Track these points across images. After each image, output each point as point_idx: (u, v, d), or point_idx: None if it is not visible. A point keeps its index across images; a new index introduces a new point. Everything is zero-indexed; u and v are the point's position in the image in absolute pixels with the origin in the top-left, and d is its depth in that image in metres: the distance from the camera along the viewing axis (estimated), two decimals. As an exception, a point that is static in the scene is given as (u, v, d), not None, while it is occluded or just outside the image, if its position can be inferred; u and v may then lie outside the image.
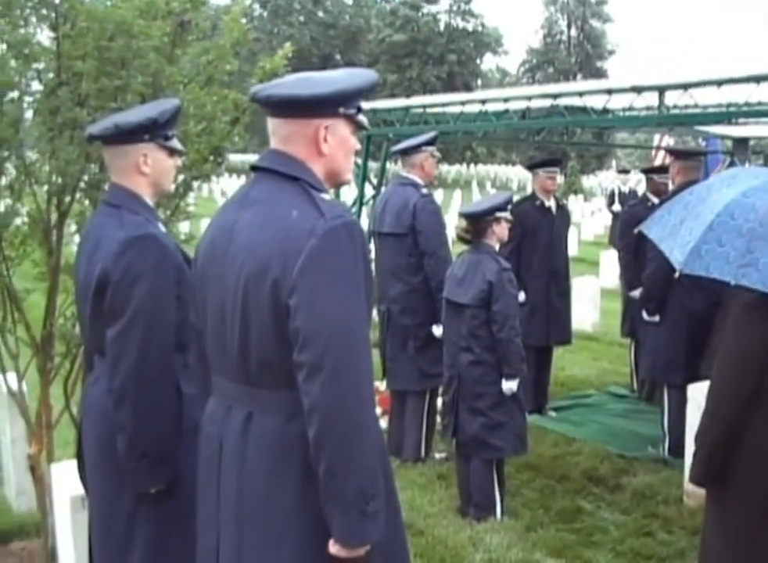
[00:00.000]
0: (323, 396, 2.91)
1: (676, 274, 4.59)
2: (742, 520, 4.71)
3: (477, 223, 6.73)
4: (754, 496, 4.64)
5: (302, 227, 2.98)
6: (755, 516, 4.67)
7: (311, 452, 2.97)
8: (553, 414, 9.88)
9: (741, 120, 10.33)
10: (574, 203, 44.59)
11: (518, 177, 58.81)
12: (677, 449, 7.89)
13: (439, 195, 42.87)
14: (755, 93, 7.31)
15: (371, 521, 3.01)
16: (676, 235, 4.64)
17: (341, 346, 2.93)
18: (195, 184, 6.00)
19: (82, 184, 5.46)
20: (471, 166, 71.10)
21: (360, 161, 11.89)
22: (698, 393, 7.04)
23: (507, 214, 6.76)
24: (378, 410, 8.53)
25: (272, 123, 3.22)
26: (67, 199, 5.48)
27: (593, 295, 15.32)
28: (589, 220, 35.73)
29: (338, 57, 77.97)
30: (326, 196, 3.14)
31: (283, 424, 3.08)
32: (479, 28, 78.08)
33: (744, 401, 4.56)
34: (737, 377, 4.60)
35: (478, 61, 78.75)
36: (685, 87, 7.54)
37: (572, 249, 22.92)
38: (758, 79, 7.03)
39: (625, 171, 22.17)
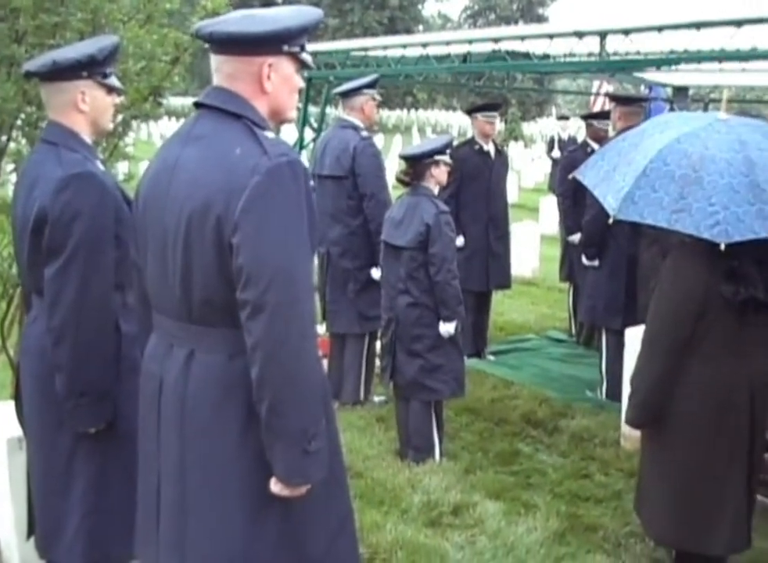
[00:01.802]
0: (266, 334, 2.91)
1: (610, 220, 4.60)
2: (678, 462, 4.79)
3: (416, 165, 6.71)
4: (689, 438, 4.73)
5: (245, 164, 2.96)
6: (691, 457, 4.76)
7: (254, 390, 2.98)
8: (492, 358, 9.95)
9: (682, 68, 10.41)
10: (514, 150, 44.60)
11: (458, 123, 58.65)
12: (615, 392, 7.97)
13: (380, 140, 42.71)
14: (697, 39, 7.32)
15: (312, 459, 3.03)
16: (609, 181, 4.68)
17: (284, 284, 2.92)
18: (135, 124, 5.94)
19: (19, 123, 5.38)
20: (412, 111, 70.86)
21: (300, 105, 11.79)
22: (635, 337, 7.11)
23: (446, 158, 6.75)
24: (319, 354, 8.52)
25: (215, 61, 3.19)
26: (4, 137, 5.40)
27: (533, 241, 15.40)
28: (529, 166, 35.77)
29: (280, 1, 77.22)
30: (270, 134, 3.11)
31: (225, 362, 3.08)
32: (422, -28, 77.76)
33: (679, 344, 4.63)
34: (672, 321, 4.67)
35: (420, 6, 78.11)
36: (626, 32, 7.52)
37: (513, 196, 23.01)
38: (698, 25, 7.03)
39: (564, 118, 22.23)
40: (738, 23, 6.76)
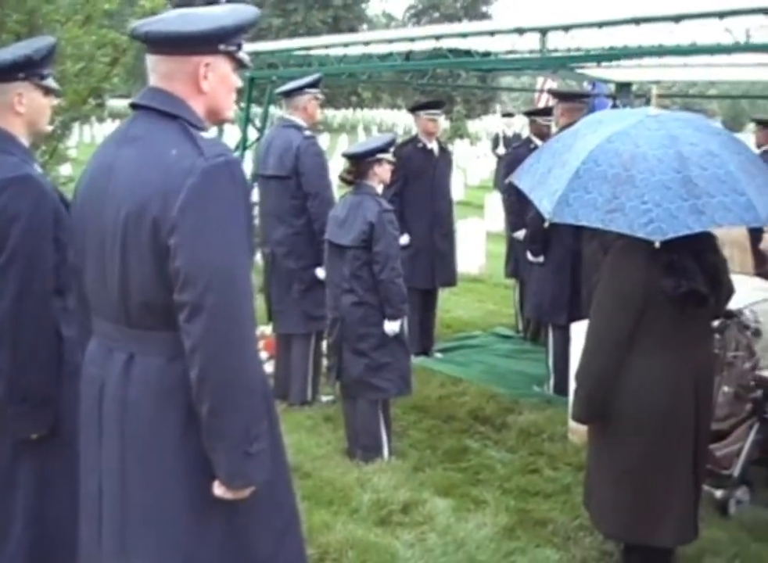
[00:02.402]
0: (204, 336, 2.89)
1: (546, 224, 4.62)
2: (625, 456, 4.82)
3: (359, 164, 6.72)
4: (635, 432, 4.76)
5: (181, 165, 2.94)
6: (638, 451, 4.79)
7: (193, 392, 2.95)
8: (439, 355, 9.96)
9: (624, 63, 10.48)
10: (460, 147, 44.69)
11: (404, 121, 58.65)
12: (562, 387, 8.03)
13: (325, 140, 42.58)
14: (637, 35, 7.38)
15: (255, 461, 3.01)
16: (544, 184, 4.70)
17: (222, 285, 2.91)
18: (76, 126, 5.89)
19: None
20: (357, 110, 70.81)
21: (243, 104, 11.77)
22: (581, 332, 7.14)
23: (389, 156, 6.76)
24: (265, 355, 8.52)
25: (151, 60, 3.16)
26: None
27: (479, 238, 15.44)
28: (474, 164, 35.77)
29: (223, 0, 76.69)
30: (206, 135, 3.09)
31: (165, 365, 3.05)
32: (365, -28, 77.68)
33: (622, 340, 4.65)
34: (614, 316, 4.70)
35: (363, 5, 78.02)
36: (566, 28, 7.58)
37: (458, 193, 23.06)
38: (638, 20, 7.09)
39: (509, 115, 22.32)
40: (677, 19, 6.83)
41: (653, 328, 4.66)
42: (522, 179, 5.01)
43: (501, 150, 18.86)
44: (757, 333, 6.04)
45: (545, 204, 4.62)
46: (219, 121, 3.39)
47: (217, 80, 3.18)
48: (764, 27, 6.51)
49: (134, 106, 3.23)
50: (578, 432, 7.17)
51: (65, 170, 10.33)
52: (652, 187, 4.39)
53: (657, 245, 4.29)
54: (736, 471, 6.15)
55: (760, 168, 4.82)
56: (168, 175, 2.93)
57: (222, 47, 3.15)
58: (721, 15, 6.56)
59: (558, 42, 8.02)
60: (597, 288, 4.89)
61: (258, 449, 3.01)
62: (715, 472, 5.83)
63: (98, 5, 5.66)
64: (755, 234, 7.32)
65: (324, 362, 7.67)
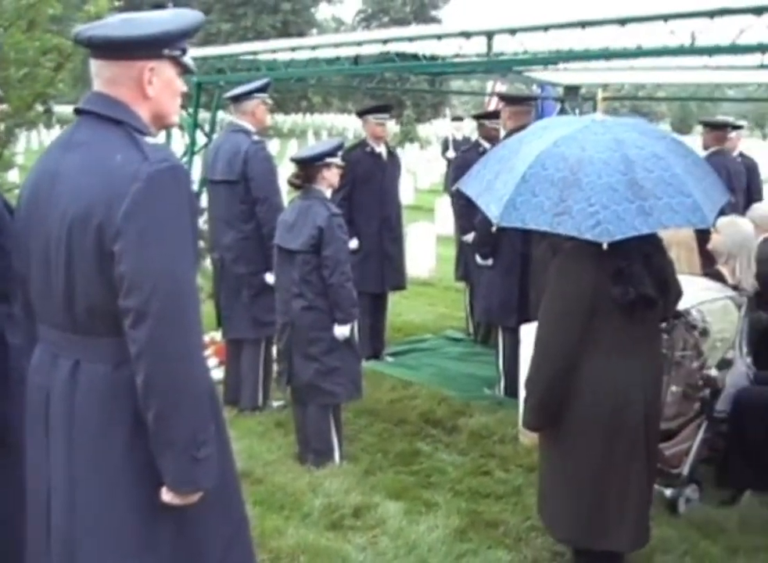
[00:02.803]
0: (150, 342, 2.90)
1: (493, 228, 4.63)
2: (578, 461, 4.85)
3: (307, 168, 6.72)
4: (587, 437, 4.78)
5: (126, 171, 2.93)
6: (590, 457, 4.81)
7: (140, 399, 2.95)
8: (390, 359, 9.99)
9: (572, 67, 10.54)
10: (410, 151, 44.78)
11: (354, 126, 58.71)
12: (512, 389, 8.07)
13: (275, 145, 42.68)
14: (583, 38, 7.42)
15: (202, 466, 3.01)
16: (491, 190, 4.72)
17: (167, 290, 2.91)
18: (21, 132, 5.83)
19: None
20: (307, 115, 70.80)
21: (191, 110, 11.71)
22: (530, 334, 7.19)
23: (337, 160, 6.76)
24: (215, 361, 8.50)
25: (95, 65, 3.14)
26: None
27: (429, 242, 15.49)
28: (425, 168, 35.87)
29: (170, 5, 76.38)
30: (151, 140, 3.08)
31: (111, 371, 3.04)
32: (314, -24, 77.56)
33: (572, 345, 4.67)
34: (562, 322, 4.71)
35: (312, 10, 77.86)
36: (512, 31, 7.59)
37: (408, 197, 23.12)
38: (584, 24, 7.12)
39: (459, 119, 22.35)
40: (622, 22, 6.86)
41: (601, 332, 4.68)
42: (468, 185, 5.03)
43: (451, 154, 18.87)
44: (704, 333, 6.09)
45: (492, 209, 4.63)
46: (164, 126, 3.37)
47: (162, 85, 3.17)
48: (709, 30, 6.57)
49: (78, 112, 3.21)
50: (529, 434, 7.20)
51: (11, 176, 10.25)
52: (599, 189, 4.41)
53: (605, 246, 4.32)
54: (685, 469, 6.21)
55: (706, 171, 4.88)
56: (113, 180, 2.93)
57: (166, 52, 3.14)
58: (666, 18, 6.61)
59: (505, 46, 8.04)
60: (545, 293, 4.91)
61: (205, 454, 3.01)
62: (665, 471, 5.88)
63: (42, 9, 5.61)
64: (702, 235, 7.38)
65: (275, 367, 7.65)
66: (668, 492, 6.09)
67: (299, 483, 6.52)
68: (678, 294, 5.04)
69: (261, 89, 8.04)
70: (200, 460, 3.00)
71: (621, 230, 4.36)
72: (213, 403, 3.20)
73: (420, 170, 35.12)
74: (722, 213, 8.00)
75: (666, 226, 4.61)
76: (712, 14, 6.32)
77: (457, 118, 22.55)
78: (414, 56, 9.27)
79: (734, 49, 6.77)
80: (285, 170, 16.60)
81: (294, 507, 6.18)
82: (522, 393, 6.71)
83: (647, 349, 4.89)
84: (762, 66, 8.55)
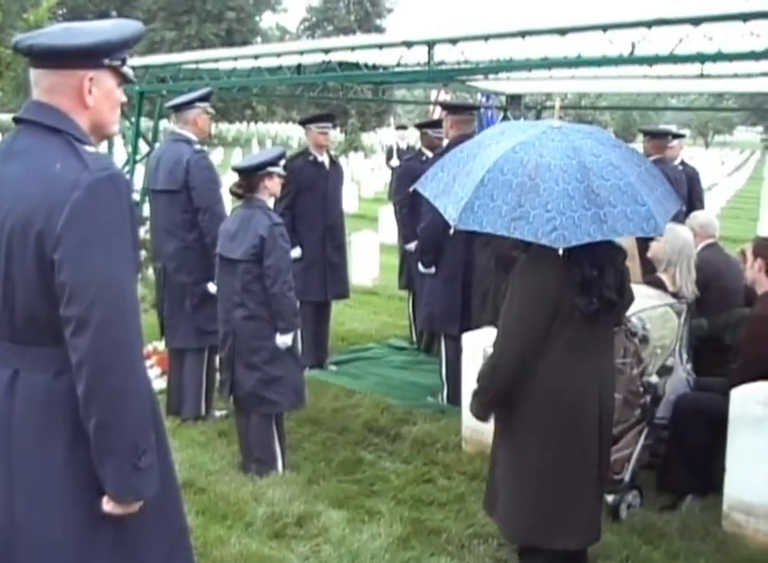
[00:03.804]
0: (91, 350, 2.89)
1: (451, 231, 4.65)
2: (533, 462, 4.89)
3: (249, 177, 6.70)
4: (543, 439, 4.82)
5: (65, 179, 2.93)
6: (545, 458, 4.85)
7: (80, 408, 2.94)
8: (333, 368, 9.97)
9: (514, 76, 10.62)
10: (354, 160, 44.82)
11: (298, 135, 58.66)
12: (455, 397, 8.09)
13: (219, 154, 42.57)
14: (523, 48, 7.47)
15: (143, 475, 3.01)
16: (449, 192, 4.74)
17: (108, 299, 2.90)
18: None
19: None
20: (252, 124, 70.65)
21: (133, 119, 11.68)
22: (472, 342, 7.24)
23: (279, 169, 6.75)
24: (158, 370, 8.45)
25: (35, 74, 3.12)
26: None
27: (373, 251, 15.50)
28: (369, 176, 35.95)
29: (114, 14, 75.85)
30: (91, 149, 3.07)
31: (51, 380, 3.03)
32: (258, -15, 77.47)
33: (531, 346, 4.71)
34: (524, 322, 4.75)
35: (257, 18, 77.84)
36: (453, 41, 7.65)
37: (353, 206, 23.13)
38: (524, 34, 7.19)
39: (403, 127, 22.42)
40: (562, 32, 6.93)
41: (560, 334, 4.73)
42: (426, 187, 5.03)
43: (395, 162, 18.90)
44: (644, 340, 6.15)
45: (450, 211, 4.66)
46: (103, 136, 3.36)
47: (102, 95, 3.16)
48: (648, 40, 6.64)
49: (17, 120, 3.19)
50: (472, 440, 7.26)
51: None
52: (556, 196, 4.46)
53: (560, 252, 4.36)
54: (627, 475, 6.27)
55: (659, 180, 4.95)
56: (52, 189, 2.92)
57: (107, 61, 3.13)
58: (605, 28, 6.68)
59: (446, 55, 8.09)
60: (506, 295, 4.93)
61: (146, 463, 3.01)
62: (607, 477, 5.91)
63: (-20, 18, 5.54)
64: (643, 243, 7.46)
65: (218, 376, 7.62)
66: (610, 498, 6.12)
67: (241, 492, 6.50)
68: (631, 300, 5.11)
69: (203, 98, 8.01)
70: (142, 469, 2.99)
71: (576, 236, 4.41)
72: (153, 412, 3.19)
73: (364, 178, 35.16)
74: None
75: (620, 234, 4.65)
76: (650, 24, 6.40)
77: (401, 127, 22.62)
78: (356, 65, 9.30)
79: (673, 59, 6.87)
80: (229, 179, 16.56)
81: (237, 517, 6.16)
82: (465, 399, 6.80)
83: (605, 353, 4.96)
84: (701, 76, 8.67)
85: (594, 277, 4.66)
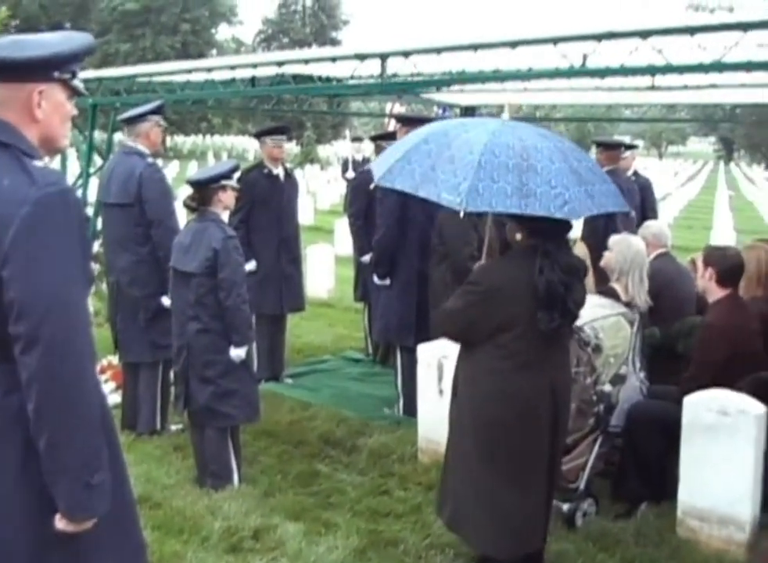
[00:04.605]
0: (41, 368, 2.86)
1: (461, 214, 4.68)
2: (486, 470, 4.96)
3: (203, 190, 6.69)
4: (497, 446, 4.90)
5: (13, 195, 2.90)
6: (498, 465, 4.91)
7: (32, 426, 2.91)
8: (289, 381, 9.95)
9: (468, 88, 10.67)
10: (310, 172, 44.82)
11: (255, 147, 58.61)
12: (411, 408, 8.09)
13: (174, 167, 42.42)
14: (475, 60, 7.51)
15: (96, 492, 2.98)
16: (435, 180, 4.76)
17: (58, 316, 2.88)
18: None
19: None
20: (208, 136, 70.49)
21: (86, 132, 11.61)
22: (428, 354, 7.26)
23: (232, 182, 6.75)
24: (112, 385, 8.39)
25: None
26: None
27: (328, 263, 15.50)
28: (325, 189, 35.98)
29: (68, 26, 75.43)
30: (39, 163, 3.05)
31: (1, 398, 3.00)
32: (214, -3, 77.36)
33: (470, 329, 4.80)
34: (469, 306, 4.82)
35: (213, 31, 77.70)
36: (406, 54, 7.67)
37: (308, 218, 23.10)
38: (476, 46, 7.22)
39: (358, 139, 22.41)
40: (513, 44, 6.97)
41: (515, 346, 4.77)
42: (395, 181, 5.01)
43: (351, 174, 18.90)
44: (597, 349, 6.19)
45: (447, 196, 4.67)
46: (53, 150, 3.33)
47: (51, 108, 3.14)
48: (599, 52, 6.69)
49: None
50: (427, 451, 7.26)
51: None
52: (555, 173, 4.66)
53: (573, 223, 4.76)
54: (582, 484, 6.30)
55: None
56: (0, 205, 2.88)
57: (56, 74, 3.11)
58: (555, 41, 6.72)
59: (399, 67, 8.11)
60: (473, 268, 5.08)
61: (99, 480, 2.98)
62: (562, 486, 5.94)
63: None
64: (596, 253, 7.52)
65: (173, 390, 7.59)
66: (565, 506, 6.16)
67: (197, 507, 6.47)
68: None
69: (155, 111, 7.98)
70: (94, 486, 2.97)
71: (583, 210, 4.71)
72: (106, 428, 3.16)
73: (320, 191, 35.19)
74: (615, 231, 8.21)
75: (607, 208, 4.99)
76: (599, 37, 6.45)
77: (357, 139, 22.61)
78: (310, 78, 9.30)
79: (624, 71, 6.94)
80: (185, 193, 16.54)
81: (193, 531, 6.13)
82: (421, 411, 6.85)
83: (560, 362, 5.03)
84: (653, 88, 8.75)
85: (560, 292, 4.71)
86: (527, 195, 4.55)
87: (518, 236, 5.01)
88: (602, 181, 4.93)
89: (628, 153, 11.03)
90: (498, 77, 7.79)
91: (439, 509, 5.41)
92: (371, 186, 5.52)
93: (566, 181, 4.63)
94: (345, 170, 20.35)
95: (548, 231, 4.81)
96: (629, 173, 11.05)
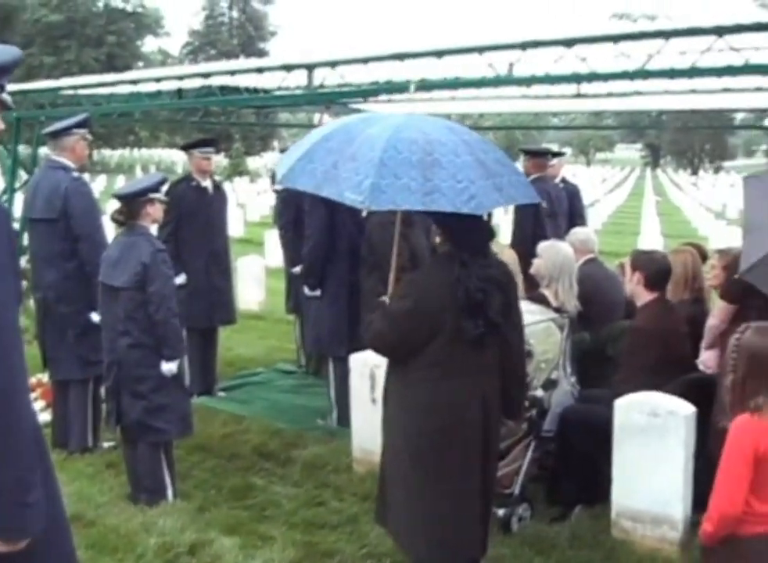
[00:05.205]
0: None
1: (364, 213, 4.66)
2: (420, 480, 4.95)
3: (130, 204, 6.64)
4: (428, 456, 4.91)
5: None
6: (430, 475, 4.90)
7: None
8: (222, 394, 9.91)
9: (395, 98, 10.70)
10: (239, 185, 44.69)
11: (182, 160, 58.37)
12: (345, 419, 8.08)
13: (102, 181, 42.10)
14: (401, 70, 7.53)
15: (31, 511, 2.95)
16: (337, 179, 4.69)
17: None
18: None
19: None
20: (135, 150, 70.05)
21: (10, 146, 11.49)
22: (360, 363, 7.26)
23: (160, 195, 6.71)
24: (42, 403, 8.28)
25: None
26: None
27: (258, 275, 15.43)
28: (255, 201, 35.93)
29: (-6, 40, 74.59)
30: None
31: None
32: (139, 9, 76.66)
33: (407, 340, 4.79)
34: (405, 320, 4.81)
35: (138, 43, 77.26)
36: (333, 64, 7.68)
37: (239, 230, 23.02)
38: (401, 56, 7.25)
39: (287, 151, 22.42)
40: (439, 54, 7.00)
41: (444, 353, 4.77)
42: (297, 181, 4.94)
43: (280, 186, 18.87)
44: (529, 355, 6.22)
45: (349, 195, 4.59)
46: (-20, 165, 3.29)
47: (-23, 123, 3.10)
48: (525, 61, 6.74)
49: None
50: (362, 462, 7.26)
51: None
52: (461, 166, 4.58)
53: (485, 217, 4.76)
54: (516, 489, 6.34)
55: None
56: None
57: None
58: (481, 50, 6.77)
59: (327, 78, 8.11)
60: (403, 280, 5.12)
61: (34, 499, 2.95)
62: (497, 492, 5.97)
63: None
64: (526, 260, 7.58)
65: (104, 407, 7.51)
66: (500, 511, 6.19)
67: (132, 524, 6.41)
68: (518, 322, 5.19)
69: (80, 124, 7.90)
70: (29, 505, 2.94)
71: (491, 203, 4.65)
72: (39, 447, 3.12)
73: (250, 202, 35.12)
74: (544, 238, 8.28)
75: (516, 200, 5.03)
76: (524, 46, 6.51)
77: (285, 150, 22.59)
78: (237, 89, 9.28)
79: (549, 79, 6.99)
80: (112, 207, 16.42)
81: (128, 549, 6.06)
82: (355, 421, 6.84)
83: (490, 372, 4.99)
84: (578, 95, 8.84)
85: (480, 300, 4.72)
86: (432, 191, 4.49)
87: (438, 239, 5.04)
88: (511, 173, 4.91)
89: (555, 161, 11.10)
90: (425, 86, 7.81)
91: (380, 518, 5.40)
92: (275, 188, 5.48)
93: (472, 175, 4.58)
94: (274, 181, 20.30)
95: (462, 233, 4.81)
96: (557, 180, 11.11)
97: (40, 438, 3.22)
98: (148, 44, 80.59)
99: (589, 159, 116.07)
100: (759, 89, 9.26)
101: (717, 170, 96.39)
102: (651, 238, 24.02)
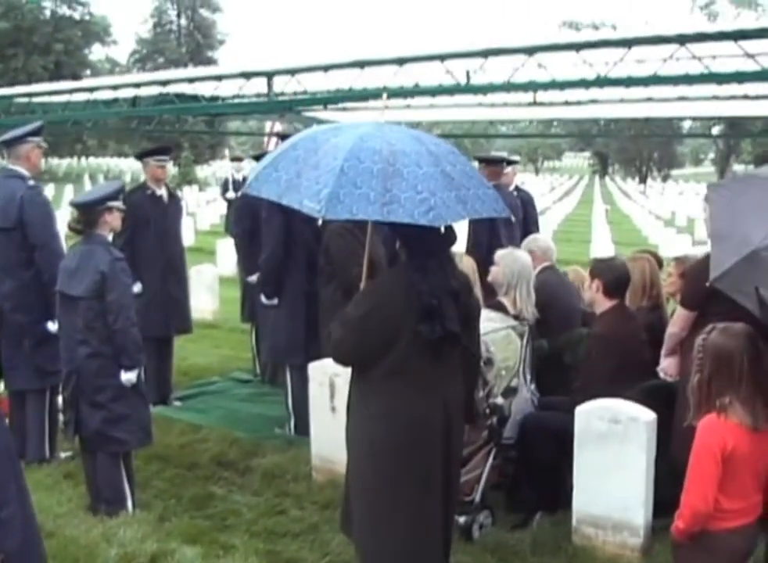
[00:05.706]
0: None
1: (319, 222, 4.63)
2: (381, 490, 4.98)
3: (88, 213, 6.58)
4: (388, 466, 4.92)
5: None
6: (391, 485, 4.91)
7: None
8: (178, 403, 9.87)
9: (352, 106, 10.72)
10: (189, 193, 44.53)
11: (131, 169, 58.19)
12: (303, 427, 8.07)
13: (50, 190, 41.73)
14: (362, 78, 7.54)
15: (5, 527, 2.92)
16: (298, 188, 4.68)
17: None
18: None
19: None
20: (83, 158, 69.59)
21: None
22: (319, 372, 7.25)
23: (118, 204, 6.66)
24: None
25: None
26: None
27: (212, 284, 15.36)
28: (205, 209, 35.84)
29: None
30: None
31: None
32: (87, 17, 76.25)
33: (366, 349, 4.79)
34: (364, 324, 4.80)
35: (86, 51, 76.83)
36: (292, 72, 7.68)
37: (189, 239, 22.91)
38: (362, 64, 7.26)
39: (238, 159, 22.39)
40: (400, 62, 7.02)
41: (408, 365, 4.77)
42: (261, 189, 4.92)
43: (231, 195, 18.85)
44: (489, 362, 6.25)
45: (308, 204, 4.57)
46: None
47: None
48: (483, 69, 6.78)
49: None
50: (322, 470, 7.26)
51: None
52: (422, 178, 4.56)
53: (442, 230, 4.62)
54: (477, 496, 6.36)
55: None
56: None
57: None
58: (442, 58, 6.80)
59: (285, 86, 8.11)
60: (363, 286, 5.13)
61: (8, 514, 2.93)
62: (458, 499, 5.99)
63: None
64: (483, 268, 7.61)
65: (61, 417, 7.45)
66: (461, 519, 6.20)
67: (92, 534, 6.36)
68: (476, 335, 5.21)
69: (35, 133, 7.83)
70: (4, 520, 2.91)
71: (451, 216, 4.57)
72: (11, 463, 3.10)
73: (200, 211, 35.00)
74: (499, 245, 8.32)
75: (480, 214, 4.87)
76: (485, 54, 6.55)
77: (236, 158, 22.57)
78: (194, 97, 9.25)
79: (507, 87, 7.03)
80: (63, 215, 16.28)
81: (88, 560, 6.02)
82: (314, 429, 6.82)
83: (452, 384, 4.99)
84: (534, 103, 8.89)
85: (434, 306, 4.73)
86: (390, 202, 4.46)
87: (397, 246, 5.06)
88: (479, 186, 4.88)
89: (509, 169, 11.15)
90: (395, 93, 7.82)
91: (344, 526, 5.40)
92: (235, 195, 5.47)
93: (433, 186, 4.55)
94: (225, 190, 20.31)
95: (418, 241, 4.82)
96: (512, 188, 11.17)
97: (12, 454, 3.20)
98: (96, 53, 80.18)
99: (537, 167, 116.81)
100: (715, 97, 9.37)
101: (665, 178, 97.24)
102: (603, 246, 24.21)
